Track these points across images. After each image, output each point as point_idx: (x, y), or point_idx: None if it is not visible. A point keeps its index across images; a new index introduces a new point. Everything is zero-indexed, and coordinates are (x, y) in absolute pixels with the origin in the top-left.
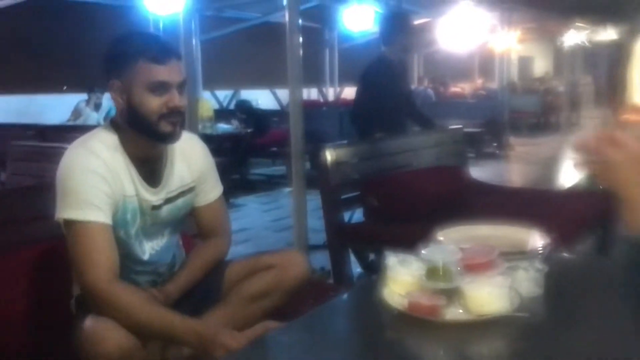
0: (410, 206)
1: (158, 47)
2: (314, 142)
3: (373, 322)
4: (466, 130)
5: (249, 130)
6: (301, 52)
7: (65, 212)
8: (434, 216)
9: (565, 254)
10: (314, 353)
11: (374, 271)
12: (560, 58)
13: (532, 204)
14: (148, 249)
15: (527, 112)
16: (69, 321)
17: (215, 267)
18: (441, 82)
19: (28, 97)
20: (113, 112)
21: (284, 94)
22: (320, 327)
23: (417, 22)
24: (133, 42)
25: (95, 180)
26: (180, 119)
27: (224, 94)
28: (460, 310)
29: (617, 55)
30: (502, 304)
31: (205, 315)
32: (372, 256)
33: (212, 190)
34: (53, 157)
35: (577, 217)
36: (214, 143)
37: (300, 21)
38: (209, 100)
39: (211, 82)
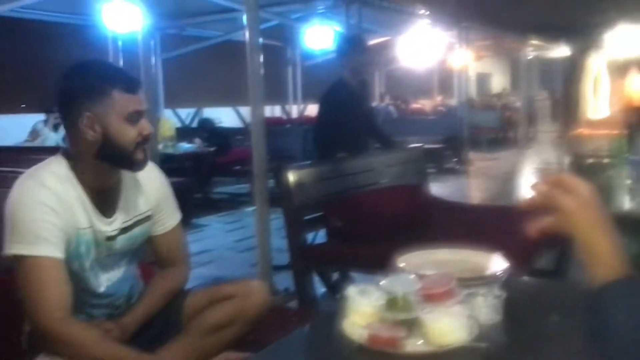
0: (373, 226)
1: (128, 77)
2: (278, 159)
3: (335, 356)
4: (427, 146)
5: (211, 149)
6: (263, 70)
7: (15, 247)
8: (396, 236)
9: (523, 278)
10: None
11: (338, 292)
12: (517, 74)
13: (492, 222)
14: (104, 281)
15: (485, 127)
16: (21, 358)
17: (174, 298)
18: (402, 99)
19: None
20: None
21: (247, 111)
22: None
23: (377, 40)
24: (103, 73)
25: (46, 214)
26: (148, 145)
27: (186, 112)
28: (421, 341)
29: (570, 72)
30: (462, 334)
31: (164, 348)
32: (335, 276)
33: (169, 218)
34: (7, 182)
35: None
36: (176, 162)
37: (261, 40)
38: (170, 119)
39: (173, 101)
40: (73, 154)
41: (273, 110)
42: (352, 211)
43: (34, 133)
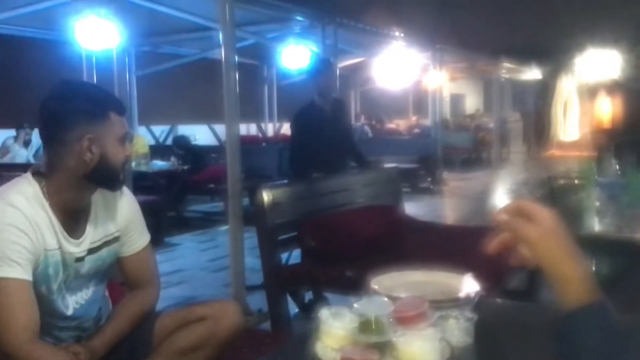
0: (347, 247)
1: (119, 100)
2: (253, 177)
3: None
4: (402, 166)
5: (185, 167)
6: (238, 88)
7: None
8: (370, 256)
9: (495, 300)
10: None
11: (311, 312)
12: (490, 95)
13: (465, 242)
14: (72, 303)
15: (459, 147)
16: None
17: (144, 320)
18: (376, 119)
19: None
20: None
21: (222, 129)
22: None
23: (353, 61)
24: (100, 96)
25: (14, 235)
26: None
27: (160, 129)
28: None
29: (541, 94)
30: (434, 357)
31: None
32: (308, 296)
33: (138, 239)
34: None
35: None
36: (149, 180)
37: (237, 58)
38: (144, 137)
39: (147, 117)
40: (47, 174)
41: (249, 129)
42: (326, 231)
43: (4, 149)
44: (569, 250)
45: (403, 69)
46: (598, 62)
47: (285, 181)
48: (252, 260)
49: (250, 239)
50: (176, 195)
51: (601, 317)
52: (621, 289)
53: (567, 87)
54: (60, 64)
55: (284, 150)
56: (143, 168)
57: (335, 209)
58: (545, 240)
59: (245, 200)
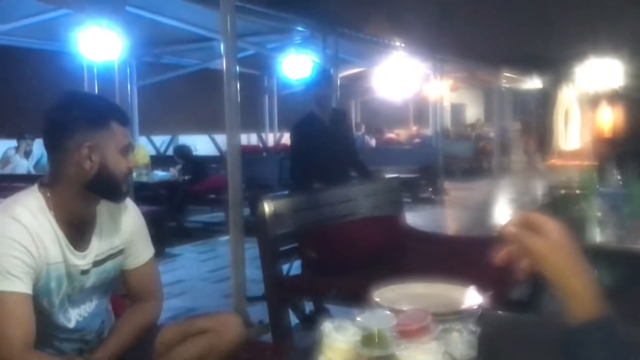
0: (348, 258)
1: (122, 110)
2: (254, 187)
3: None
4: (403, 176)
5: (186, 177)
6: (239, 98)
7: None
8: (371, 268)
9: (498, 312)
10: None
11: (311, 324)
12: (491, 105)
13: (467, 252)
14: (74, 316)
15: (460, 157)
16: None
17: (146, 332)
18: (376, 129)
19: None
20: (44, 160)
21: (222, 139)
22: None
23: (353, 71)
24: (103, 106)
25: (14, 249)
26: (131, 177)
27: (161, 140)
28: None
29: (542, 103)
30: None
31: None
32: (308, 307)
33: (142, 252)
34: None
35: (508, 264)
36: (150, 191)
37: (238, 68)
38: (145, 147)
39: (148, 128)
40: (51, 185)
41: (249, 139)
42: (327, 242)
43: (5, 160)
44: (576, 264)
45: (403, 79)
46: (599, 72)
47: (286, 192)
48: (253, 271)
49: (251, 249)
50: (177, 205)
51: (607, 332)
52: (623, 300)
53: (567, 97)
54: (62, 75)
55: (284, 160)
56: (144, 178)
57: (337, 219)
58: (552, 253)
59: (246, 211)
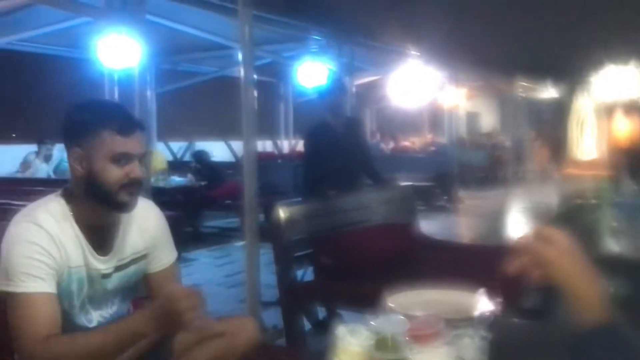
0: (362, 264)
1: (124, 119)
2: (269, 194)
3: None
4: (417, 184)
5: (202, 183)
6: (256, 105)
7: (3, 283)
8: (385, 275)
9: (509, 319)
10: None
11: (324, 329)
12: (506, 114)
13: (481, 261)
14: (96, 317)
15: (475, 166)
16: None
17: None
18: (391, 137)
19: None
20: (64, 165)
21: (238, 145)
22: None
23: (368, 79)
24: (97, 112)
25: (36, 252)
26: (139, 189)
27: (178, 146)
28: None
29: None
30: None
31: None
32: (321, 313)
33: (165, 256)
34: None
35: (521, 273)
36: (167, 196)
37: (255, 76)
38: (162, 152)
39: (165, 134)
40: (72, 190)
41: (264, 145)
42: (341, 249)
43: (25, 164)
44: (586, 271)
45: (419, 87)
46: (615, 81)
47: (300, 198)
48: (267, 277)
49: (266, 255)
50: (193, 210)
51: (616, 337)
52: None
53: (583, 106)
54: (82, 81)
55: (298, 167)
56: (161, 184)
57: (351, 226)
58: (562, 260)
59: (261, 217)
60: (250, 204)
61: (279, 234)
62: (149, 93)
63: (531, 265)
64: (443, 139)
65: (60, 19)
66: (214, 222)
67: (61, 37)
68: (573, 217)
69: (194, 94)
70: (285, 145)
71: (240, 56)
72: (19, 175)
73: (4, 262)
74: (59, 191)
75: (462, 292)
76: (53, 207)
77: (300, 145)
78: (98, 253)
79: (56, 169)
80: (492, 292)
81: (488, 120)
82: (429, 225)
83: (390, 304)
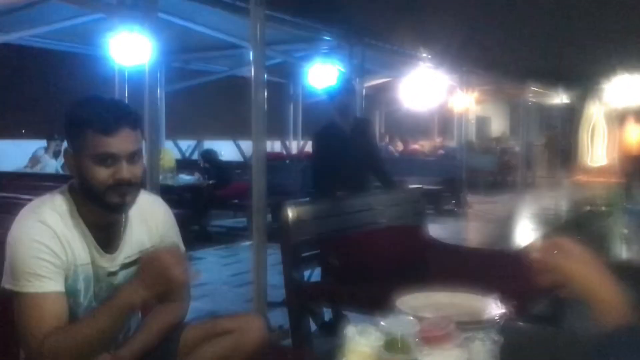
0: (369, 266)
1: (109, 117)
2: (276, 194)
3: None
4: (426, 187)
5: (210, 182)
6: (266, 106)
7: (10, 282)
8: (392, 277)
9: (520, 323)
10: None
11: (330, 330)
12: (516, 119)
13: (490, 266)
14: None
15: (484, 170)
16: None
17: (171, 331)
18: (400, 139)
19: None
20: None
21: (247, 145)
22: None
23: (379, 81)
24: (83, 111)
25: (41, 252)
26: (130, 190)
27: (186, 144)
28: None
29: (569, 119)
30: None
31: None
32: (327, 314)
33: None
34: (7, 208)
35: (534, 279)
36: (175, 194)
37: (265, 76)
38: (171, 151)
39: (174, 132)
40: (76, 186)
41: (273, 146)
42: (349, 250)
43: (34, 159)
44: (603, 275)
45: (429, 90)
46: (627, 88)
47: (308, 199)
48: (274, 277)
49: (273, 255)
50: (201, 209)
51: (636, 337)
52: None
53: (594, 112)
54: (92, 78)
55: (307, 168)
56: (169, 182)
57: (359, 227)
58: (579, 267)
59: (268, 217)
60: (259, 203)
61: (286, 233)
62: (159, 91)
63: (548, 274)
64: (452, 143)
65: (72, 15)
66: (221, 221)
67: (73, 34)
68: (584, 223)
69: (204, 93)
70: (294, 146)
71: (251, 56)
72: (28, 170)
73: (10, 261)
74: (65, 186)
75: (472, 295)
76: (59, 203)
77: (308, 146)
78: (104, 250)
79: (65, 165)
80: (501, 297)
81: (498, 124)
82: (437, 229)
83: (399, 306)
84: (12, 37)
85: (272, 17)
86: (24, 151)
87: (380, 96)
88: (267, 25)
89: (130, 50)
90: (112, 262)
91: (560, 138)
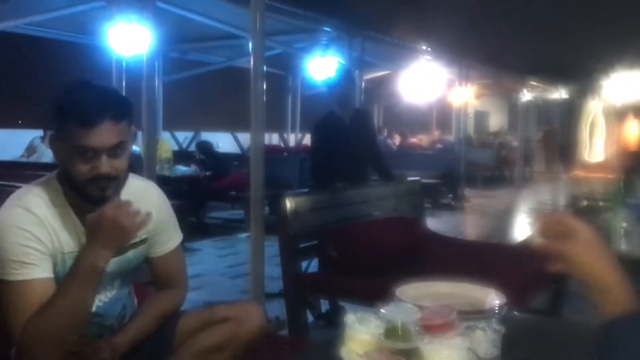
0: (368, 258)
1: (90, 109)
2: (274, 187)
3: None
4: (424, 181)
5: (207, 173)
6: (265, 97)
7: None
8: (390, 269)
9: (521, 314)
10: None
11: (327, 321)
12: (515, 114)
13: (487, 258)
14: (94, 301)
15: (482, 165)
16: None
17: (168, 319)
18: (400, 133)
19: None
20: None
21: (245, 137)
22: None
23: (378, 74)
24: (67, 101)
25: (26, 239)
26: (111, 183)
27: (184, 135)
28: None
29: (567, 114)
30: None
31: None
32: (324, 306)
33: (168, 240)
34: (3, 197)
35: (531, 272)
36: (172, 185)
37: (264, 67)
38: (168, 142)
39: (172, 123)
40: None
41: (271, 138)
42: (347, 242)
43: (30, 149)
44: (608, 261)
45: (428, 84)
46: (626, 84)
47: (306, 190)
48: (271, 269)
49: (270, 247)
50: (198, 201)
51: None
52: None
53: (593, 108)
54: (90, 67)
55: (305, 161)
56: (166, 173)
57: (357, 219)
58: (584, 252)
59: (265, 210)
60: (257, 195)
61: (285, 223)
62: (156, 81)
63: (551, 260)
64: (450, 137)
65: (70, 4)
66: (217, 213)
67: (70, 23)
68: (582, 217)
69: (202, 84)
70: (292, 138)
71: (250, 46)
72: (24, 159)
73: None
74: (53, 173)
75: (472, 285)
76: (45, 191)
77: (306, 140)
78: None
79: None
80: (500, 290)
81: (496, 119)
82: (434, 223)
83: (399, 295)
84: (8, 25)
85: (272, 7)
86: (20, 141)
87: (379, 89)
88: (267, 15)
89: (128, 39)
90: None
91: (559, 133)
